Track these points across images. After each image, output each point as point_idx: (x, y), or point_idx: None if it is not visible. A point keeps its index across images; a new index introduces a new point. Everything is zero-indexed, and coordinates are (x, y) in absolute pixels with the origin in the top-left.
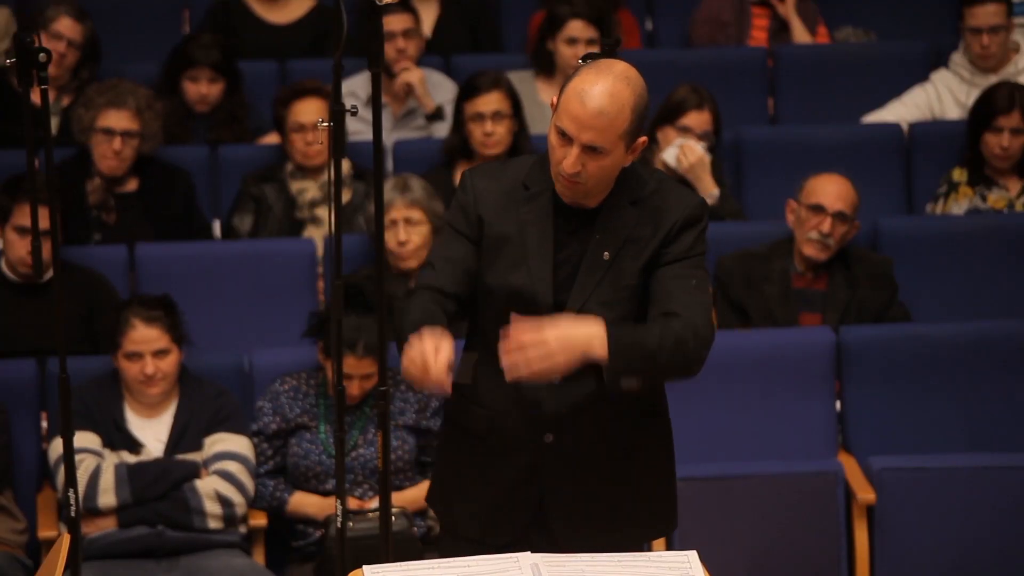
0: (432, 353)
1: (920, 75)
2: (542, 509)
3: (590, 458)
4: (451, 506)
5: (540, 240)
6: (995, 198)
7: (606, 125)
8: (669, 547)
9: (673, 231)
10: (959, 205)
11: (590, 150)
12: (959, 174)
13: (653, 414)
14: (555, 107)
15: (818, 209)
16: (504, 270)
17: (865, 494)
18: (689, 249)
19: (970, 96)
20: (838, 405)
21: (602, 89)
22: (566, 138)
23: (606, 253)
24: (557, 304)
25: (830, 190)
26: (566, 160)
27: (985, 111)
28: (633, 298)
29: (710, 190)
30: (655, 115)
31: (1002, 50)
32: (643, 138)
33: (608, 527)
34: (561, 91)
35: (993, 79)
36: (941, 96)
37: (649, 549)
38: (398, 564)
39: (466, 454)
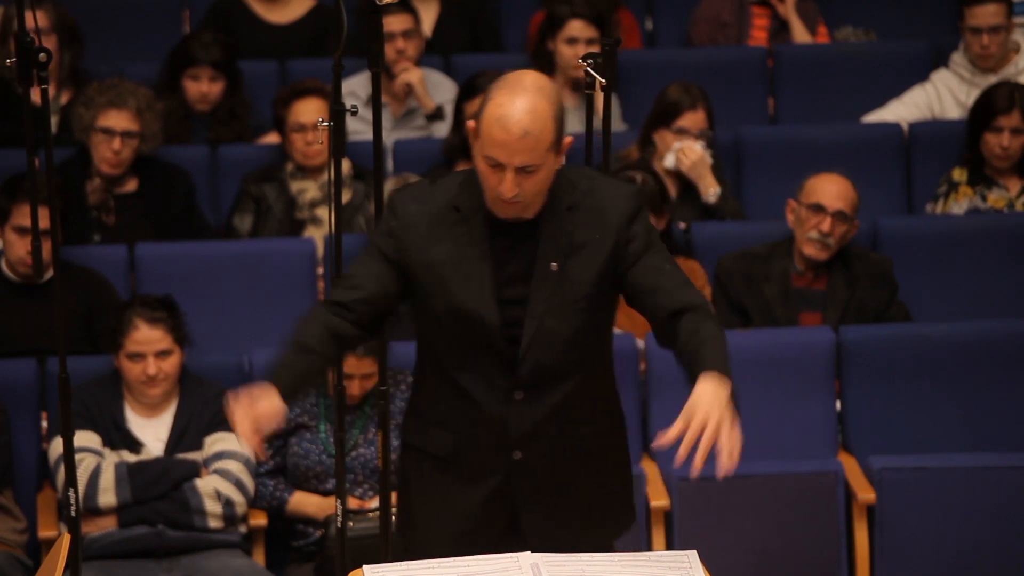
0: (245, 411)
1: (920, 75)
2: (515, 525)
3: (559, 469)
4: (419, 530)
5: (478, 261)
6: (995, 198)
7: (534, 144)
8: (669, 547)
9: (623, 230)
10: (959, 205)
11: (523, 171)
12: (959, 174)
13: (610, 413)
14: (475, 133)
15: (818, 209)
16: (447, 296)
17: (865, 494)
18: (647, 238)
19: (970, 96)
20: (838, 405)
21: (521, 109)
22: (497, 165)
23: (553, 264)
24: (508, 321)
25: (830, 190)
26: (502, 186)
27: (985, 111)
28: (588, 308)
29: (712, 188)
30: (650, 118)
31: (1002, 50)
32: (568, 139)
33: (580, 532)
34: (478, 118)
35: (993, 79)
36: (941, 96)
37: (611, 547)
38: (398, 564)
39: (432, 478)
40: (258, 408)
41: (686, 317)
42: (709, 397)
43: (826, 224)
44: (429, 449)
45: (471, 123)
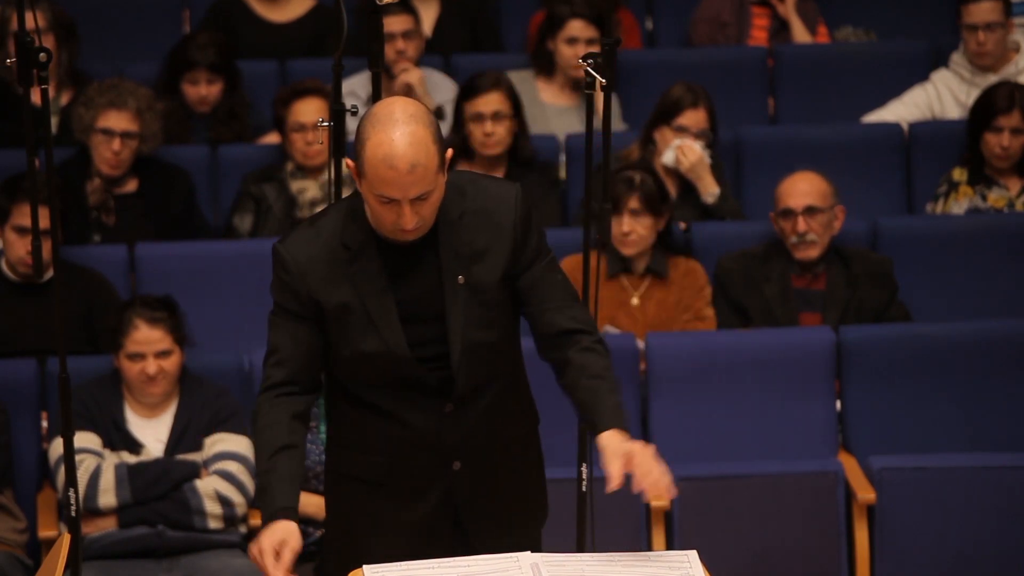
0: (272, 558)
1: (920, 75)
2: (460, 535)
3: (493, 472)
4: (365, 553)
5: (379, 296)
6: (995, 197)
7: (423, 173)
8: (669, 547)
9: (518, 236)
10: (959, 205)
11: (418, 200)
12: (959, 174)
13: (528, 408)
14: (356, 172)
15: (788, 213)
16: (355, 338)
17: (865, 494)
18: (539, 243)
19: (970, 96)
20: (838, 405)
21: (402, 142)
22: (392, 202)
23: (460, 277)
24: (422, 341)
25: (793, 190)
26: (402, 220)
27: (985, 111)
28: (504, 313)
29: (711, 189)
30: (652, 116)
31: (999, 48)
32: (450, 151)
33: (516, 530)
34: (357, 158)
35: (993, 79)
36: (941, 96)
37: (540, 541)
38: (398, 564)
39: (369, 502)
40: (285, 556)
41: (575, 345)
42: (622, 440)
43: (800, 224)
44: (362, 476)
45: (349, 162)
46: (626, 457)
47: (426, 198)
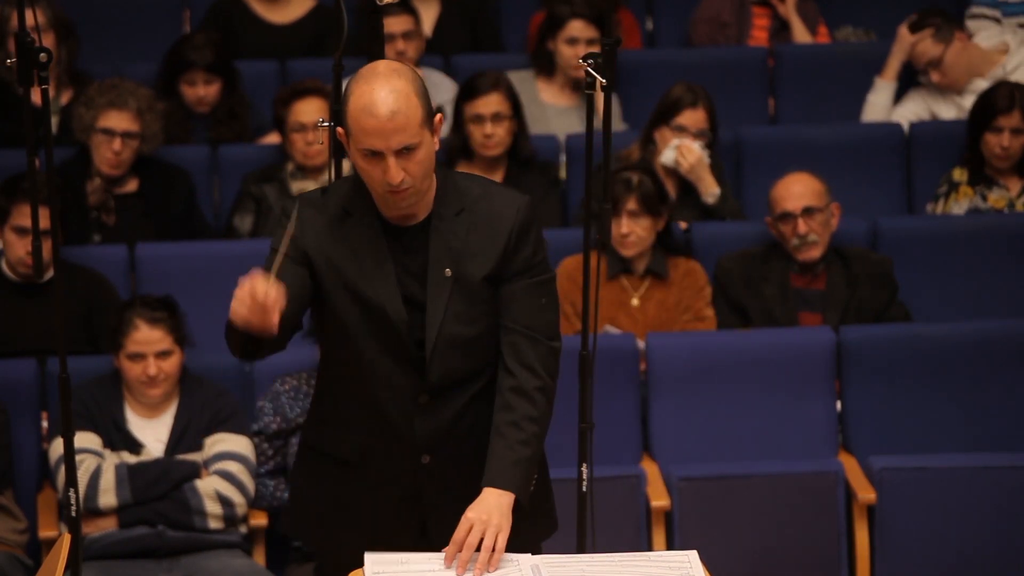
0: (262, 291)
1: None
2: (424, 531)
3: (468, 473)
4: (329, 532)
5: (379, 259)
6: (995, 198)
7: (405, 122)
8: (669, 547)
9: (511, 242)
10: (959, 205)
11: (403, 152)
12: (959, 174)
13: None
14: (345, 137)
15: (786, 217)
16: (350, 297)
17: (865, 494)
18: (531, 259)
19: (965, 96)
20: (838, 405)
21: (382, 92)
22: (376, 155)
23: (447, 270)
24: (410, 323)
25: (788, 193)
26: (388, 174)
27: (985, 111)
28: (489, 311)
29: (711, 189)
30: (652, 116)
31: (952, 74)
32: (439, 116)
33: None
34: (345, 118)
35: (983, 84)
36: (938, 95)
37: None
38: (399, 554)
39: (338, 482)
40: (273, 291)
41: (515, 379)
42: (481, 508)
43: (801, 227)
44: (334, 453)
45: (340, 130)
46: (462, 527)
47: (412, 151)
